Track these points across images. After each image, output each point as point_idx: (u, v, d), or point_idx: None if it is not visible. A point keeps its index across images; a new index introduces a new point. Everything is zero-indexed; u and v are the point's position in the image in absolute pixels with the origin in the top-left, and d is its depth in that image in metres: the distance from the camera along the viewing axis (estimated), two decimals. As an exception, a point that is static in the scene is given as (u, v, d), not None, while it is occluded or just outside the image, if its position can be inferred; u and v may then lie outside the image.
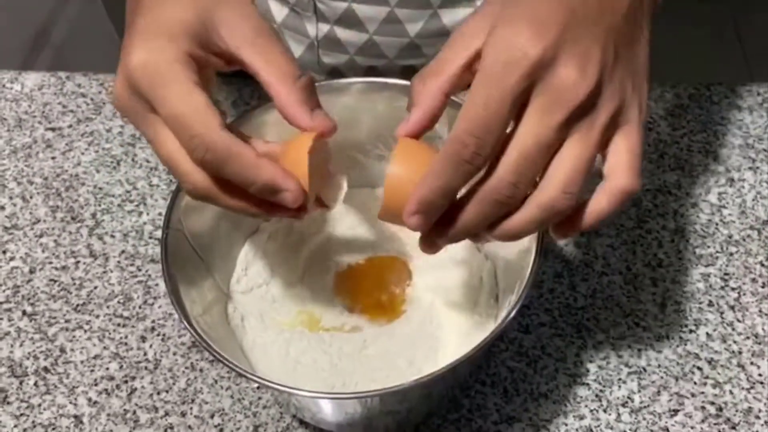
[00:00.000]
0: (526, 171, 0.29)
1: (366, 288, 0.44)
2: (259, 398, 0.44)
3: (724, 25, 1.48)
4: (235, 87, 0.59)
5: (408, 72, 0.55)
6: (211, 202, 0.33)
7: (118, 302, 0.48)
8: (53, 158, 0.57)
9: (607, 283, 0.47)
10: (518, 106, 0.29)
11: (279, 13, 0.54)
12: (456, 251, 0.45)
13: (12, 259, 0.51)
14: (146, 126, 0.32)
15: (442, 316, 0.43)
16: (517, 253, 0.39)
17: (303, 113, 0.33)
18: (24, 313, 0.48)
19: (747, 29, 1.47)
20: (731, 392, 0.42)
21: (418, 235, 0.46)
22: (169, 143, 0.31)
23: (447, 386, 0.40)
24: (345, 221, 0.46)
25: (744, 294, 0.46)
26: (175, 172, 0.32)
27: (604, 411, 0.42)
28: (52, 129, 0.58)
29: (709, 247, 0.48)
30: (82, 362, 0.46)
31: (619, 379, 0.43)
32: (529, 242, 0.37)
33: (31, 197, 0.54)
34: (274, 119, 0.42)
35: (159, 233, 0.52)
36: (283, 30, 0.55)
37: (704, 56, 1.38)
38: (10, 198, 0.54)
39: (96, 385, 0.45)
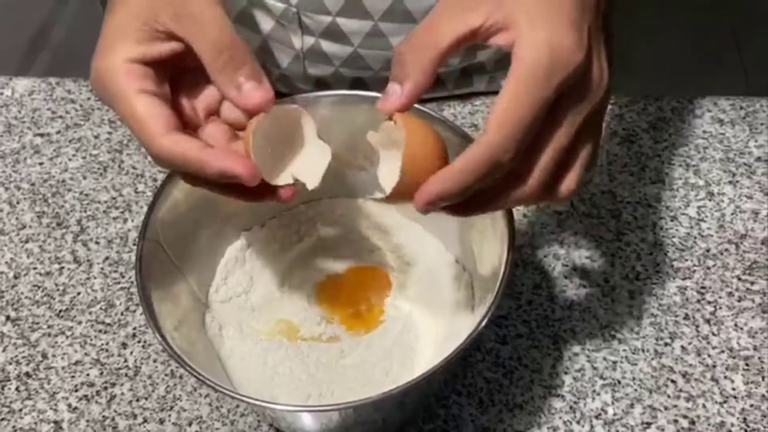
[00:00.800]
0: (555, 169, 0.30)
1: (345, 298, 0.45)
2: (237, 406, 0.44)
3: (723, 38, 1.48)
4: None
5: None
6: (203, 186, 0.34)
7: (101, 308, 0.49)
8: (41, 164, 0.57)
9: (584, 296, 0.47)
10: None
11: (266, 24, 0.55)
12: (434, 264, 0.45)
13: (-3, 264, 0.52)
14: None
15: (420, 327, 0.44)
16: (492, 265, 0.39)
17: (229, 88, 0.32)
18: (8, 318, 0.49)
19: (746, 42, 1.47)
20: (704, 406, 0.43)
21: (401, 246, 0.47)
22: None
23: (421, 396, 0.41)
24: (326, 231, 0.47)
25: (720, 308, 0.46)
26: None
27: (578, 423, 0.42)
28: (41, 135, 0.59)
29: (686, 260, 0.49)
30: (63, 368, 0.46)
31: (594, 391, 0.44)
32: (502, 255, 0.37)
33: (17, 202, 0.55)
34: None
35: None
36: (270, 41, 0.56)
37: (703, 68, 1.38)
38: (-3, 203, 0.55)
39: (76, 391, 0.45)
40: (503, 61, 0.57)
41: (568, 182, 0.31)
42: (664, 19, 1.49)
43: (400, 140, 0.32)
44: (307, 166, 0.35)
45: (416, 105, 0.33)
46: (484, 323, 0.35)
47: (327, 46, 0.52)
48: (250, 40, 0.57)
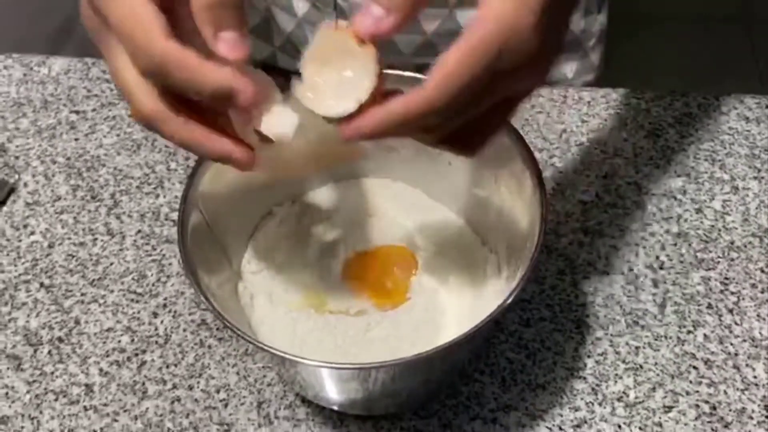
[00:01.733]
0: (465, 130, 0.31)
1: (372, 274, 0.46)
2: (264, 376, 0.45)
3: (740, 43, 1.49)
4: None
5: (422, 71, 0.57)
6: (160, 132, 0.31)
7: (133, 279, 0.50)
8: (76, 140, 0.58)
9: (608, 282, 0.48)
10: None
11: (301, 7, 0.56)
12: (461, 244, 0.46)
13: (32, 233, 0.53)
14: (102, 43, 0.31)
15: (446, 304, 0.44)
16: (519, 248, 0.40)
17: (207, 36, 0.29)
18: (41, 285, 0.50)
19: (762, 47, 1.47)
20: (725, 392, 0.43)
21: (428, 227, 0.48)
22: (119, 60, 0.30)
23: (445, 370, 0.42)
24: (354, 210, 0.48)
25: (743, 298, 0.47)
26: (123, 91, 0.31)
27: (600, 404, 0.43)
28: (77, 112, 0.60)
29: (711, 251, 0.49)
30: (95, 334, 0.47)
31: (616, 374, 0.44)
32: (530, 238, 0.38)
33: (53, 176, 0.56)
34: (289, 107, 0.44)
35: (175, 215, 0.53)
36: (304, 24, 0.57)
37: (719, 72, 1.39)
38: (33, 176, 0.56)
39: (107, 356, 0.46)
40: None
41: (475, 143, 0.32)
42: (687, 29, 1.50)
43: (357, 56, 0.30)
44: (277, 120, 0.34)
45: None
46: (513, 296, 0.36)
47: None
48: (284, 23, 0.58)
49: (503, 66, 0.28)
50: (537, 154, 0.54)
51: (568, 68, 0.59)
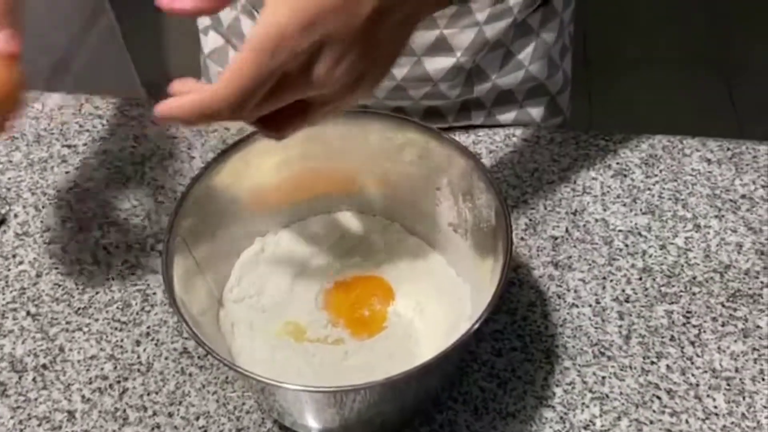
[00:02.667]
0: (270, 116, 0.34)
1: (350, 304, 0.48)
2: (243, 404, 0.46)
3: (719, 90, 1.55)
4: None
5: (396, 112, 0.60)
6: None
7: (117, 308, 0.51)
8: (67, 173, 0.60)
9: (576, 314, 0.50)
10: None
11: None
12: (437, 277, 0.48)
13: (21, 263, 0.54)
14: None
15: (421, 334, 0.46)
16: (490, 279, 0.42)
17: None
18: (28, 313, 0.51)
19: (740, 94, 1.53)
20: (687, 422, 0.45)
21: (404, 259, 0.50)
22: None
23: (418, 396, 0.43)
24: (335, 241, 0.50)
25: (704, 331, 0.49)
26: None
27: (567, 432, 0.45)
28: (68, 146, 0.62)
29: (674, 286, 0.51)
30: (78, 361, 0.49)
31: (583, 403, 0.46)
32: (497, 268, 0.40)
33: (43, 207, 0.58)
34: (273, 143, 0.46)
35: (161, 246, 0.55)
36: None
37: (699, 115, 1.44)
38: (24, 207, 0.58)
39: (90, 383, 0.48)
40: (500, 98, 0.61)
41: (283, 129, 0.36)
42: (664, 71, 1.55)
43: None
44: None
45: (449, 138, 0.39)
46: (478, 323, 0.37)
47: None
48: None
49: (279, 63, 0.31)
50: (510, 191, 0.57)
51: (536, 112, 0.62)
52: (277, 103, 0.34)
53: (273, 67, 0.31)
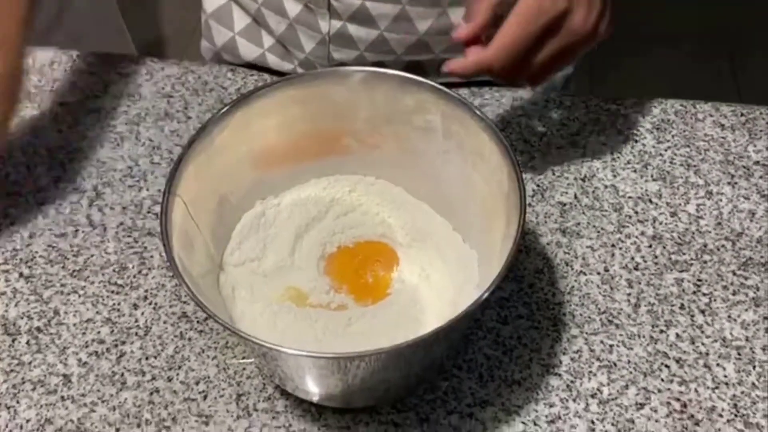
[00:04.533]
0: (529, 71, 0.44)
1: (353, 269, 0.46)
2: (244, 369, 0.45)
3: (721, 62, 1.52)
4: (240, 76, 0.61)
5: (412, 67, 0.58)
6: None
7: (113, 271, 0.50)
8: (59, 131, 0.58)
9: (584, 282, 0.49)
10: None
11: (292, 9, 0.57)
12: (442, 243, 0.47)
13: (12, 223, 0.53)
14: None
15: (425, 301, 0.45)
16: (499, 245, 0.41)
17: None
18: (21, 275, 0.50)
19: (742, 68, 1.51)
20: (696, 391, 0.44)
21: (409, 224, 0.48)
22: None
23: (423, 364, 0.42)
24: (338, 205, 0.48)
25: (715, 300, 0.48)
26: None
27: (574, 400, 0.44)
28: (60, 104, 0.60)
29: (684, 254, 0.50)
30: (74, 325, 0.47)
31: (590, 371, 0.45)
32: (509, 234, 0.39)
33: (35, 166, 0.56)
34: (275, 103, 0.44)
35: (157, 208, 0.53)
36: (296, 25, 0.57)
37: (699, 89, 1.42)
38: (15, 166, 0.56)
39: (87, 347, 0.46)
40: None
41: (531, 81, 0.45)
42: (669, 48, 1.53)
43: None
44: None
45: (460, 98, 0.43)
46: (488, 293, 0.36)
47: (354, 29, 0.54)
48: (275, 24, 0.58)
49: (542, 26, 0.41)
50: (518, 156, 0.56)
51: None
52: (542, 55, 0.43)
53: (535, 31, 0.41)
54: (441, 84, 0.42)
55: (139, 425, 0.43)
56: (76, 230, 0.52)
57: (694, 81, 1.43)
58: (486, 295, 0.36)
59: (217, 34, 0.63)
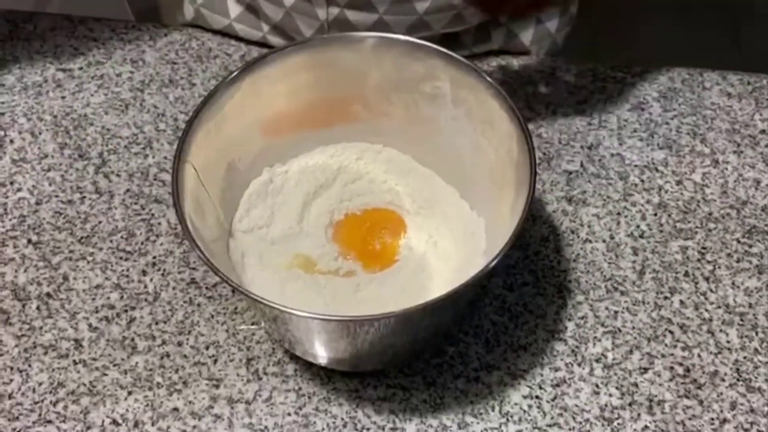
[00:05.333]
0: None
1: (361, 236, 0.47)
2: (253, 334, 0.46)
3: (725, 33, 1.50)
4: (244, 42, 0.61)
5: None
6: None
7: (122, 237, 0.50)
8: (63, 98, 0.58)
9: (590, 250, 0.49)
10: None
11: None
12: (449, 210, 0.47)
13: (19, 190, 0.53)
14: None
15: (433, 268, 0.45)
16: (508, 212, 0.41)
17: None
18: (29, 241, 0.50)
19: (748, 38, 1.49)
20: (699, 356, 0.45)
21: (417, 191, 0.48)
22: None
23: (430, 329, 0.43)
24: (346, 173, 0.48)
25: (719, 267, 0.49)
26: None
27: (579, 365, 0.44)
28: (63, 70, 0.60)
29: (689, 222, 0.51)
30: (84, 290, 0.48)
31: (595, 337, 0.46)
32: (517, 203, 0.39)
33: (40, 133, 0.56)
34: (283, 70, 0.44)
35: (164, 176, 0.53)
36: (293, 14, 0.56)
37: (702, 60, 1.41)
38: (20, 132, 0.56)
39: (97, 312, 0.47)
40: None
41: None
42: (670, 13, 1.51)
43: None
44: None
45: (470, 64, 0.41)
46: (496, 261, 0.37)
47: (352, 15, 0.53)
48: (272, 13, 0.57)
49: None
50: (525, 124, 0.55)
51: (550, 23, 0.60)
52: None
53: None
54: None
55: (150, 388, 0.44)
56: (83, 197, 0.52)
57: (700, 48, 1.42)
58: (494, 263, 0.36)
59: (213, 22, 0.61)
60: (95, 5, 1.17)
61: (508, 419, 0.43)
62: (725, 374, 0.44)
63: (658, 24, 1.50)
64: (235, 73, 0.42)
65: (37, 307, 0.47)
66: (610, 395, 0.43)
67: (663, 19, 1.51)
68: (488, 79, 0.41)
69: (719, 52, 1.47)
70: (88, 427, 0.42)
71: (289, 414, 0.43)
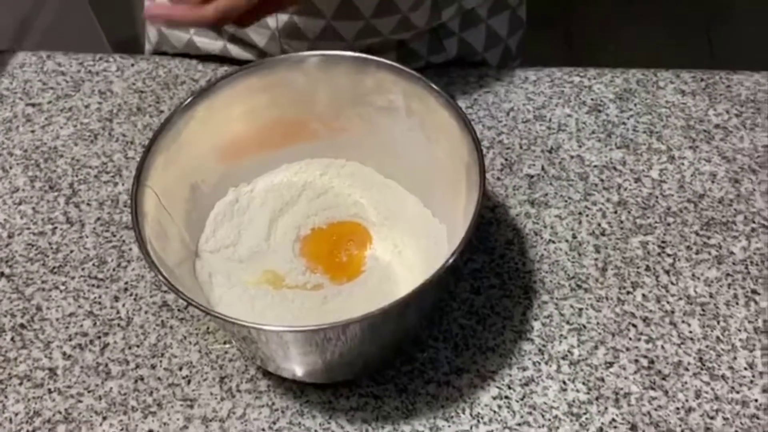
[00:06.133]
0: None
1: (328, 250, 0.47)
2: (226, 353, 0.47)
3: (697, 33, 1.53)
4: (210, 67, 0.62)
5: (365, 52, 0.59)
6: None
7: (93, 265, 0.51)
8: (32, 132, 0.59)
9: (553, 250, 0.50)
10: None
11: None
12: (413, 219, 0.48)
13: (-9, 225, 0.53)
14: None
15: (399, 276, 0.46)
16: (463, 216, 0.42)
17: None
18: (2, 274, 0.51)
19: (718, 37, 1.52)
20: (663, 347, 0.46)
21: (381, 203, 0.49)
22: None
23: (397, 334, 0.43)
24: (310, 188, 0.49)
25: (679, 260, 0.50)
26: None
27: (546, 363, 0.45)
28: (32, 104, 0.61)
29: (648, 218, 0.52)
30: (57, 319, 0.48)
31: (561, 335, 0.47)
32: (470, 203, 0.40)
33: (10, 168, 0.57)
34: (238, 93, 0.45)
35: (133, 202, 0.54)
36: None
37: (674, 59, 1.43)
38: (-10, 168, 0.57)
39: (70, 340, 0.47)
40: (466, 19, 0.60)
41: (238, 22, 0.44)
42: (644, 8, 1.54)
43: None
44: None
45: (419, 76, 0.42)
46: (453, 258, 0.37)
47: (301, 21, 0.55)
48: (227, 25, 0.59)
49: None
50: (486, 132, 0.57)
51: (501, 29, 0.62)
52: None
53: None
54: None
55: (125, 412, 0.44)
56: (54, 228, 0.53)
57: (669, 52, 1.44)
58: (450, 262, 0.37)
59: (174, 41, 0.63)
60: (71, 38, 1.19)
61: (478, 421, 0.43)
62: (689, 364, 0.45)
63: (639, 28, 1.53)
64: (190, 99, 0.43)
65: (12, 338, 0.48)
66: (578, 391, 0.44)
67: (639, 21, 1.54)
68: (436, 88, 0.43)
69: (690, 47, 1.50)
70: (65, 454, 0.43)
71: (263, 429, 0.43)
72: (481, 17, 0.61)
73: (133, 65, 0.63)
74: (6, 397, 0.45)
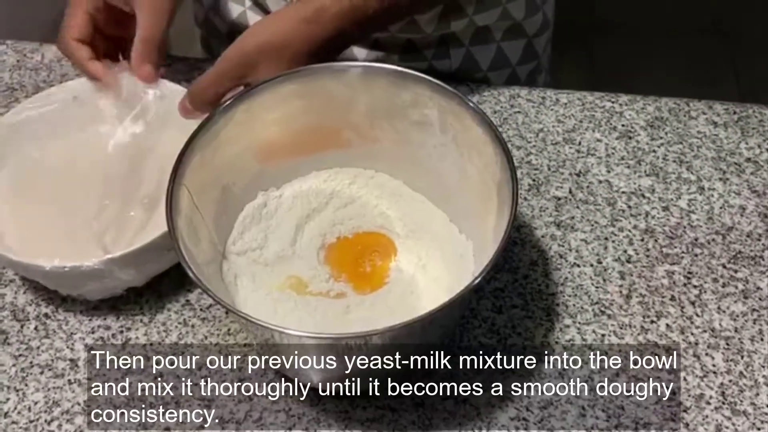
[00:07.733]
0: None
1: (352, 259, 0.48)
2: (245, 356, 0.47)
3: (724, 64, 1.53)
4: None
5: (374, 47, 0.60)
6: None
7: (119, 260, 0.51)
8: (67, 125, 0.60)
9: (578, 274, 0.50)
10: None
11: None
12: (439, 233, 0.48)
13: (22, 214, 0.54)
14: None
15: (422, 289, 0.46)
16: (492, 235, 0.42)
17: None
18: (30, 263, 0.51)
19: (745, 69, 1.52)
20: (685, 379, 0.45)
21: (407, 215, 0.50)
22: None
23: (420, 349, 0.43)
24: (338, 197, 0.50)
25: (705, 292, 0.49)
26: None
27: (566, 387, 0.45)
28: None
29: (675, 247, 0.52)
30: (81, 312, 0.49)
31: (582, 360, 0.46)
32: (501, 223, 0.40)
33: (43, 159, 0.57)
34: (277, 98, 0.46)
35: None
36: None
37: (701, 91, 1.43)
38: (24, 158, 0.57)
39: (93, 333, 0.48)
40: (478, 35, 0.61)
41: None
42: (667, 43, 1.54)
43: None
44: None
45: (455, 92, 0.43)
46: (479, 279, 0.37)
47: None
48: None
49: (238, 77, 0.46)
50: (515, 152, 0.57)
51: (512, 54, 0.62)
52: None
53: (234, 75, 0.46)
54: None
55: (143, 407, 0.44)
56: (83, 221, 0.54)
57: (693, 80, 1.44)
58: (477, 281, 0.37)
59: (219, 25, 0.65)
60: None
61: (495, 441, 0.43)
62: (710, 397, 0.45)
63: (657, 52, 1.53)
64: (231, 101, 0.44)
65: (35, 328, 0.48)
66: (597, 417, 0.44)
67: (661, 46, 1.54)
68: (473, 105, 0.43)
69: (716, 81, 1.50)
70: (81, 446, 0.43)
71: (278, 434, 0.43)
72: (494, 38, 0.62)
73: (169, 65, 0.64)
74: (27, 385, 0.46)
